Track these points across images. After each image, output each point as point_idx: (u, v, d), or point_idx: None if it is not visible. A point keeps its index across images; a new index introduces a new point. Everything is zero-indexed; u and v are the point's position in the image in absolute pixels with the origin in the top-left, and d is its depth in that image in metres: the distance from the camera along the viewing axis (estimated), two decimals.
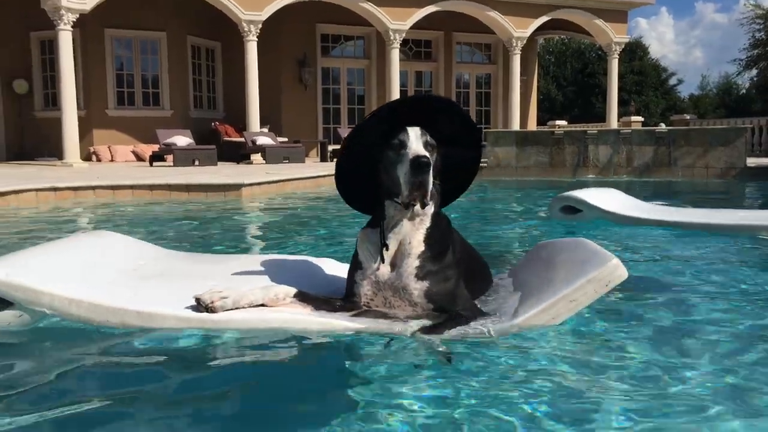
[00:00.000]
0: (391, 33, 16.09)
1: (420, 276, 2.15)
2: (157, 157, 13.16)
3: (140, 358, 2.07)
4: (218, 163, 12.86)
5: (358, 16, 16.34)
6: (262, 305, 2.17)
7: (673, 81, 42.34)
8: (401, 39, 16.34)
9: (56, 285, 2.17)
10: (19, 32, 15.20)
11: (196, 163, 12.42)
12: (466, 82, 20.41)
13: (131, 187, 7.66)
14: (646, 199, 5.81)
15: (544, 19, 17.86)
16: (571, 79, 39.96)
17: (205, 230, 5.28)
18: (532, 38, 19.21)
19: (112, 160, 14.93)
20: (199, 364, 2.01)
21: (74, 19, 12.47)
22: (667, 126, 16.39)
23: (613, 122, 18.94)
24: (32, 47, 15.56)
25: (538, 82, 24.53)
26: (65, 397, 1.79)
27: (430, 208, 2.20)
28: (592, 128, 14.44)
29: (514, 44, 17.59)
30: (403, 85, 17.87)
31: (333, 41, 18.43)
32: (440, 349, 1.96)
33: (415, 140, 2.08)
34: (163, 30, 16.04)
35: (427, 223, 2.19)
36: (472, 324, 2.12)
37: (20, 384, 1.86)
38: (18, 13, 14.65)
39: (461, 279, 2.24)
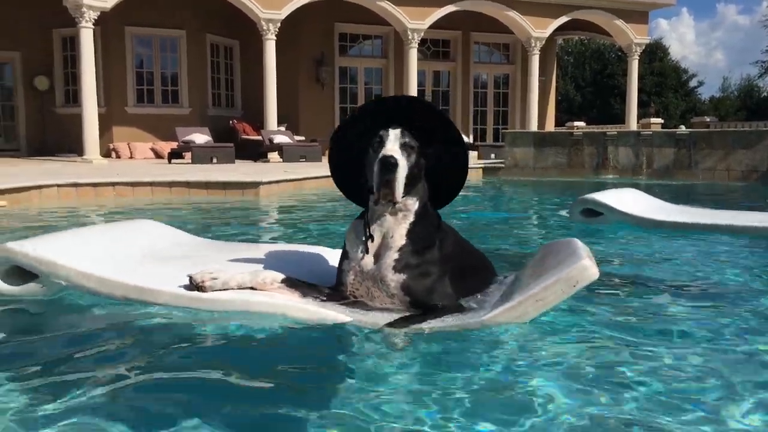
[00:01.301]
0: (409, 32, 16.06)
1: (398, 269, 2.21)
2: (175, 155, 13.26)
3: (132, 330, 2.25)
4: (236, 161, 12.92)
5: (377, 16, 16.33)
6: (252, 288, 2.29)
7: (693, 83, 41.87)
8: (419, 38, 16.31)
9: (73, 261, 2.44)
10: (41, 29, 15.37)
11: (214, 160, 12.49)
12: (483, 82, 20.33)
13: (150, 184, 7.71)
14: (666, 201, 5.74)
15: (563, 19, 17.74)
16: (589, 80, 39.66)
17: (224, 226, 5.30)
18: (551, 38, 19.10)
19: (131, 157, 15.05)
20: (185, 341, 2.12)
21: (95, 17, 12.58)
22: (687, 128, 16.23)
23: (633, 124, 18.78)
24: (54, 44, 15.73)
25: (557, 82, 24.37)
26: (66, 362, 1.96)
27: (414, 204, 2.27)
28: (612, 129, 14.31)
29: (533, 44, 17.50)
30: (420, 84, 17.83)
31: (351, 40, 18.44)
32: (398, 340, 2.03)
33: (393, 140, 2.17)
34: (183, 28, 16.14)
35: (411, 218, 2.26)
36: (443, 319, 2.15)
37: (31, 348, 2.12)
38: (40, 11, 14.80)
39: (445, 276, 2.27)
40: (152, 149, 15.38)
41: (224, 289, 2.26)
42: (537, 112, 18.03)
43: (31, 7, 14.87)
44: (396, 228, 2.24)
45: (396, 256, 2.22)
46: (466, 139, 18.75)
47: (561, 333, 2.22)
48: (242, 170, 10.02)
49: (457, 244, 2.46)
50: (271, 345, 2.14)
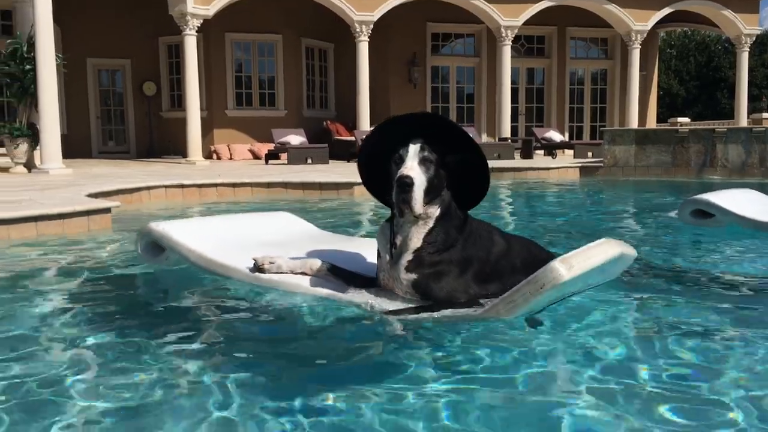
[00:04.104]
0: (502, 30, 15.81)
1: (409, 269, 2.42)
2: (272, 156, 13.66)
3: (210, 298, 2.89)
4: (329, 161, 13.15)
5: (469, 14, 16.18)
6: (304, 273, 2.71)
7: None
8: (513, 35, 16.03)
9: (187, 240, 3.02)
10: (148, 38, 16.24)
11: (309, 161, 12.76)
12: (580, 79, 19.72)
13: (250, 184, 7.97)
14: None
15: (666, 11, 16.93)
16: (694, 74, 37.71)
17: (321, 224, 5.39)
18: (652, 31, 18.28)
19: (230, 159, 15.63)
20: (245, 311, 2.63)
21: (198, 25, 13.16)
22: None
23: (743, 119, 17.69)
24: (160, 51, 16.58)
25: (659, 77, 23.32)
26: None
27: (435, 211, 2.42)
28: (721, 126, 13.53)
29: (633, 38, 16.80)
30: (514, 82, 17.51)
31: (443, 40, 18.36)
32: (392, 327, 2.24)
33: (412, 157, 2.31)
34: (280, 33, 16.59)
35: (431, 224, 2.42)
36: (436, 313, 2.31)
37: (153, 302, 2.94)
38: (149, 20, 15.63)
39: (465, 275, 2.41)
40: (250, 150, 15.91)
41: (279, 273, 2.74)
42: (637, 108, 17.30)
43: (140, 17, 15.73)
44: (415, 232, 2.42)
45: (410, 257, 2.42)
46: (560, 137, 18.11)
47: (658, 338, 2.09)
48: (336, 170, 10.18)
49: (490, 245, 2.52)
50: (302, 320, 2.51)
